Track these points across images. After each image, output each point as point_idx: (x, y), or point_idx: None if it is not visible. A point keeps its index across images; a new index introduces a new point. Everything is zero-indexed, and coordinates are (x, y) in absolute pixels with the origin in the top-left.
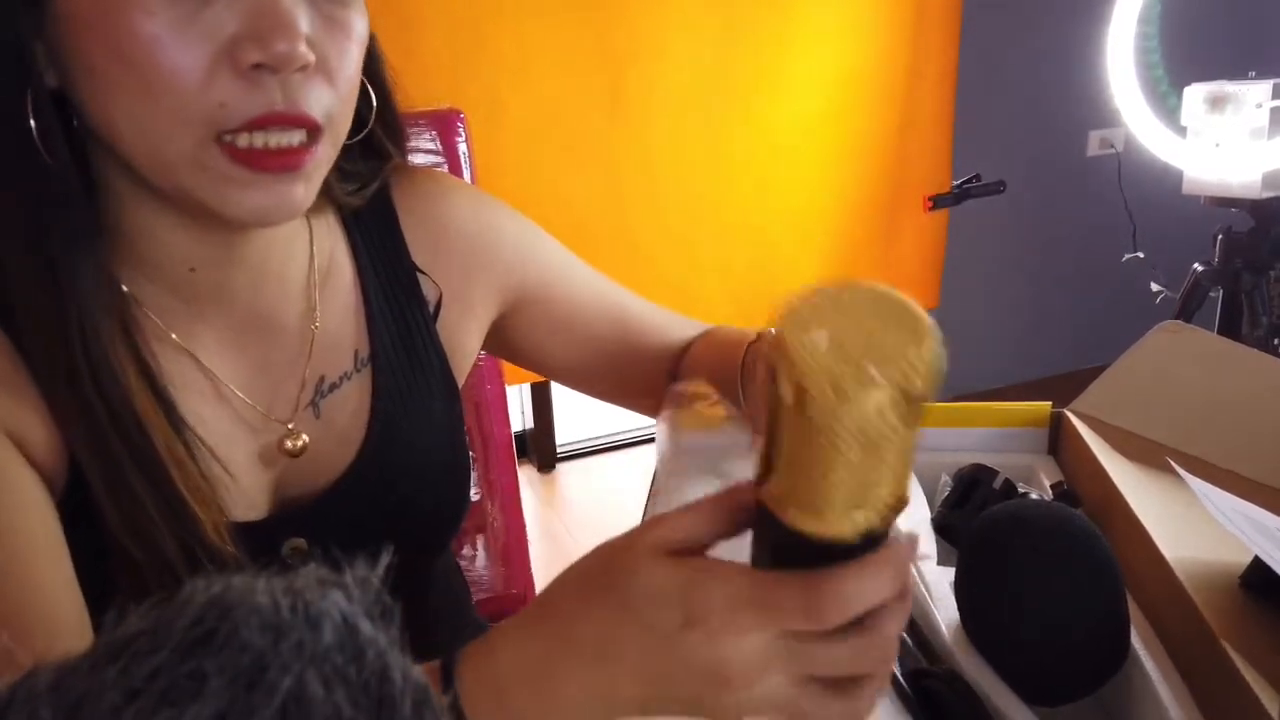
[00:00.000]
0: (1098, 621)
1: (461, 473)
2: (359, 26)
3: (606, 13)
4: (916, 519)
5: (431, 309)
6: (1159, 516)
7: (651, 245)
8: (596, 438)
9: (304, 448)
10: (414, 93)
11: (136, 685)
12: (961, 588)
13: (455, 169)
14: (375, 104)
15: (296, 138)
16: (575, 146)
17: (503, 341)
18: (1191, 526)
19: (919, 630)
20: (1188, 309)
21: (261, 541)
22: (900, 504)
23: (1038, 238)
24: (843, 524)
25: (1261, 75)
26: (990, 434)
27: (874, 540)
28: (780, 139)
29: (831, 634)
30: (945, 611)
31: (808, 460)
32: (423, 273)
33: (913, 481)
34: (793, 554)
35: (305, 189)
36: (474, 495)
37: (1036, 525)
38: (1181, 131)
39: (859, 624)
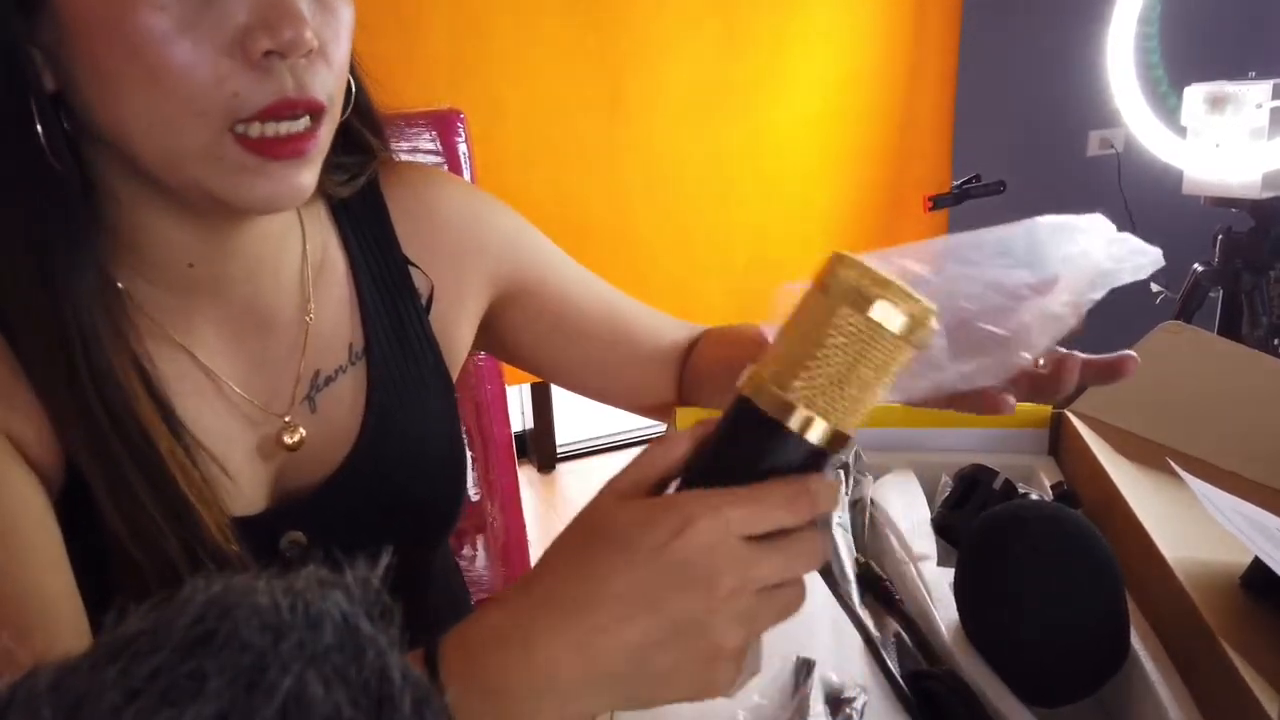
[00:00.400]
0: (1097, 621)
1: (458, 465)
2: (347, 12)
3: (607, 13)
4: (916, 519)
5: (424, 301)
6: (1159, 517)
7: (652, 245)
8: (596, 438)
9: (301, 441)
10: (414, 93)
11: (137, 685)
12: (961, 588)
13: (455, 169)
14: (353, 93)
15: (302, 123)
16: (575, 146)
17: (495, 337)
18: (1191, 527)
19: (919, 630)
20: (1188, 309)
21: (260, 535)
22: (843, 441)
23: None
24: (797, 410)
25: (1261, 75)
26: (990, 434)
27: (816, 458)
28: (780, 139)
29: (775, 538)
30: (945, 612)
31: (802, 340)
32: (414, 265)
33: (913, 481)
34: (744, 436)
35: (310, 174)
36: (474, 495)
37: (1036, 525)
38: (1181, 132)
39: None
